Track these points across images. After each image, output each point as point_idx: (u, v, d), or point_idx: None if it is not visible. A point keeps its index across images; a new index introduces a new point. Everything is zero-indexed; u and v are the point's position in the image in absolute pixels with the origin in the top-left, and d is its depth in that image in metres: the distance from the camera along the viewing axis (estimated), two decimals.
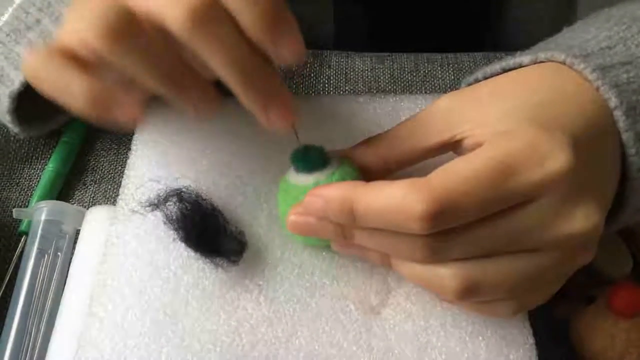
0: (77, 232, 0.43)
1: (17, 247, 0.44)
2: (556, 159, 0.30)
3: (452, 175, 0.30)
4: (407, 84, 0.53)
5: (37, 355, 0.38)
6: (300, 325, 0.35)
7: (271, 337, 0.35)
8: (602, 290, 0.39)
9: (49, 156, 0.48)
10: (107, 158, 0.49)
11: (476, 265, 0.31)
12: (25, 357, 0.38)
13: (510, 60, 0.37)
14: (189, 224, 0.37)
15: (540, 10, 0.60)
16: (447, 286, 0.32)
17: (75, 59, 0.30)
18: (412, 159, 0.36)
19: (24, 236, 0.44)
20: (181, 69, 0.31)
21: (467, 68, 0.53)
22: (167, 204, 0.38)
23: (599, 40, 0.36)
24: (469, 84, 0.39)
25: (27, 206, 0.46)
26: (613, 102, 0.33)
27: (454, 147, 0.34)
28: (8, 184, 0.48)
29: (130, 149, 0.43)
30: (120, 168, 0.48)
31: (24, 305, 0.40)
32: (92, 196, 0.47)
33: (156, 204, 0.39)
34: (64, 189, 0.47)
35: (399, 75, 0.53)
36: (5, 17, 0.43)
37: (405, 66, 0.54)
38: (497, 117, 0.33)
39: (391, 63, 0.54)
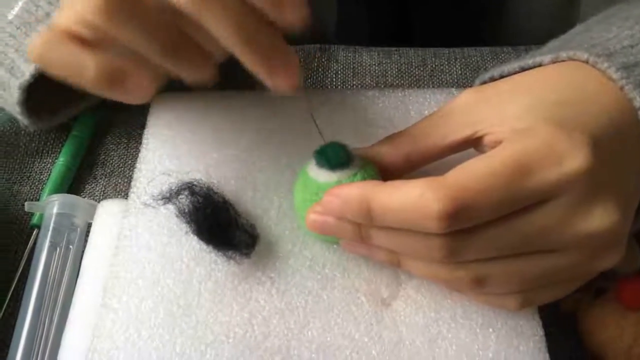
0: (89, 226, 0.43)
1: (29, 240, 0.44)
2: (574, 159, 0.30)
3: (469, 174, 0.30)
4: (415, 79, 0.53)
5: (51, 346, 0.39)
6: (312, 317, 0.36)
7: (283, 328, 0.35)
8: (611, 283, 0.39)
9: (59, 150, 0.49)
10: (117, 152, 0.49)
11: (490, 260, 0.31)
12: (38, 348, 0.39)
13: (530, 60, 0.37)
14: (200, 217, 0.38)
15: (540, 6, 0.59)
16: (457, 276, 0.32)
17: (80, 39, 0.30)
18: (434, 155, 0.36)
19: (35, 229, 0.44)
20: (181, 40, 0.31)
21: (474, 62, 0.53)
22: (179, 197, 0.39)
23: (621, 38, 0.35)
24: (484, 82, 0.39)
25: (38, 200, 0.47)
26: (638, 101, 0.33)
27: (475, 143, 0.34)
28: (19, 177, 0.48)
29: (140, 143, 0.43)
30: (130, 162, 0.49)
31: (36, 298, 0.40)
32: (102, 190, 0.47)
33: (168, 197, 0.39)
34: (74, 183, 0.48)
35: (406, 69, 0.53)
36: (16, 10, 0.43)
37: (413, 61, 0.54)
38: (515, 114, 0.32)
39: (398, 57, 0.54)
